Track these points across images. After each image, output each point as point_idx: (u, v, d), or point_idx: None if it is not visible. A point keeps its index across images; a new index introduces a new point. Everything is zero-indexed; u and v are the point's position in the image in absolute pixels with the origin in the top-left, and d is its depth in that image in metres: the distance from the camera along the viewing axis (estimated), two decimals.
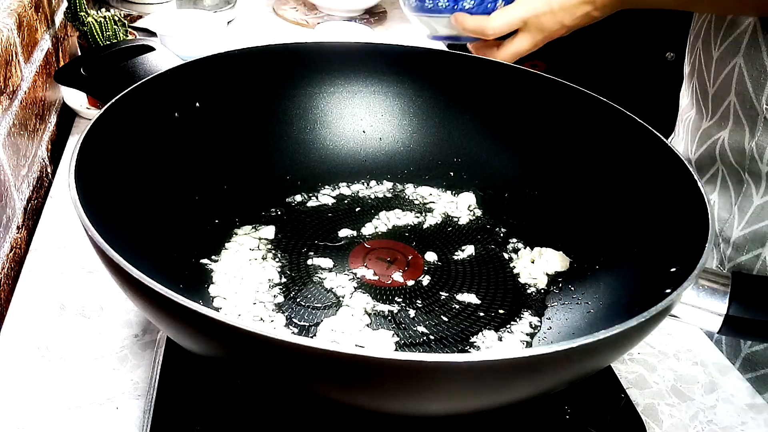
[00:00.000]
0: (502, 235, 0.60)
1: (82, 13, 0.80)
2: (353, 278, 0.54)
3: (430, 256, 0.57)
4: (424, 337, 0.48)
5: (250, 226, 0.58)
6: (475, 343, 0.48)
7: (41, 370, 0.49)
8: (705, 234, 0.41)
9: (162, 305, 0.33)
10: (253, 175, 0.61)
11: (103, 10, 0.83)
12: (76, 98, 0.84)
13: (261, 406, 0.44)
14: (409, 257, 0.57)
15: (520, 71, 0.62)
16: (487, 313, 0.51)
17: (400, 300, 0.52)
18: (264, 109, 0.62)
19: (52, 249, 0.61)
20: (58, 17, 0.87)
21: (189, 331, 0.35)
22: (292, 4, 1.30)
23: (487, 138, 0.64)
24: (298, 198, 0.62)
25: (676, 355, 0.56)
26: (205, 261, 0.53)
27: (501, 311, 0.52)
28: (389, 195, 0.64)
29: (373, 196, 0.64)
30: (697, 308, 0.40)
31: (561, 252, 0.56)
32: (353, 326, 0.49)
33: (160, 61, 0.58)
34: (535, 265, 0.56)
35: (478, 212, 0.63)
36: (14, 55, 0.64)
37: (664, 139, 0.51)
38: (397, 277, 0.54)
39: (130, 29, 0.85)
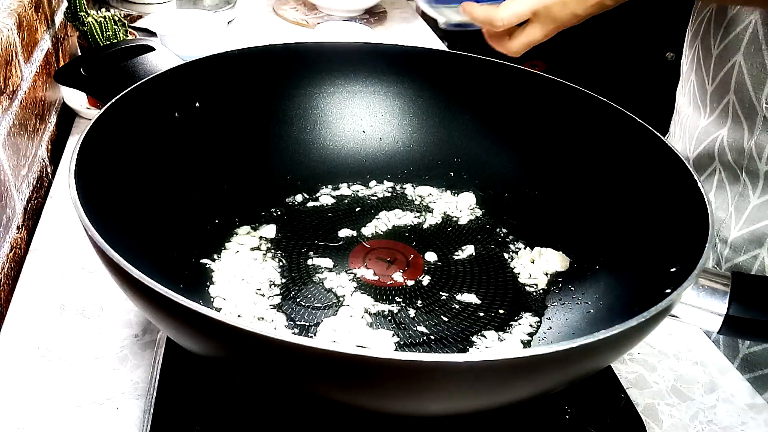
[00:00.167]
0: (502, 235, 0.60)
1: (82, 13, 0.80)
2: (353, 278, 0.54)
3: (430, 256, 0.57)
4: (424, 337, 0.48)
5: (250, 226, 0.58)
6: (475, 343, 0.48)
7: (41, 370, 0.49)
8: (705, 234, 0.41)
9: (162, 305, 0.33)
10: (253, 175, 0.61)
11: (103, 10, 0.83)
12: (76, 98, 0.84)
13: (261, 406, 0.44)
14: (409, 257, 0.57)
15: (520, 71, 0.62)
16: (487, 313, 0.51)
17: (400, 300, 0.52)
18: (264, 109, 0.62)
19: (52, 249, 0.61)
20: (58, 17, 0.87)
21: (189, 331, 0.35)
22: (292, 4, 1.30)
23: (487, 138, 0.64)
24: (299, 198, 0.62)
25: (676, 355, 0.56)
26: (205, 261, 0.53)
27: (501, 311, 0.52)
28: (389, 195, 0.64)
29: (373, 196, 0.64)
30: (697, 308, 0.40)
31: (561, 252, 0.56)
32: (353, 326, 0.49)
33: (160, 61, 0.58)
34: (535, 265, 0.56)
35: (478, 212, 0.63)
36: (14, 55, 0.64)
37: (664, 139, 0.51)
38: (397, 277, 0.54)
39: (130, 29, 0.85)
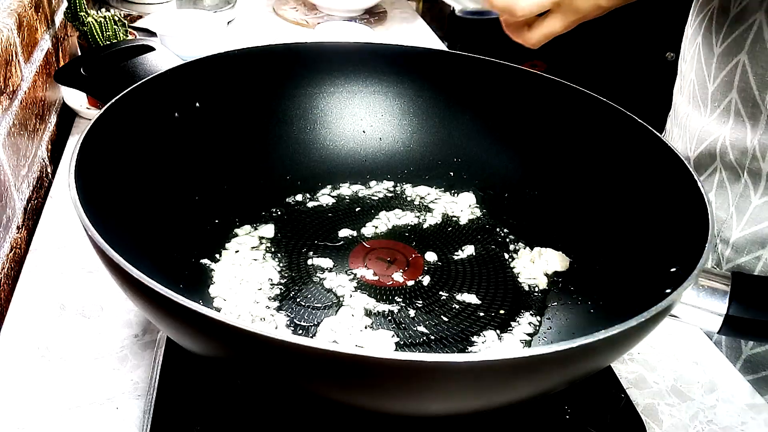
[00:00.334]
0: (502, 235, 0.60)
1: (82, 13, 0.80)
2: (353, 278, 0.54)
3: (430, 256, 0.57)
4: (424, 337, 0.48)
5: (250, 226, 0.58)
6: (475, 343, 0.48)
7: (41, 370, 0.49)
8: (705, 234, 0.41)
9: (162, 305, 0.33)
10: (253, 175, 0.61)
11: (103, 10, 0.83)
12: (76, 98, 0.84)
13: (261, 406, 0.44)
14: (409, 257, 0.57)
15: (520, 71, 0.62)
16: (487, 313, 0.51)
17: (400, 300, 0.52)
18: (264, 109, 0.62)
19: (52, 249, 0.61)
20: (58, 17, 0.87)
21: (189, 331, 0.35)
22: (292, 4, 1.30)
23: (487, 138, 0.64)
24: (298, 198, 0.62)
25: (676, 355, 0.56)
26: (205, 261, 0.53)
27: (501, 311, 0.52)
28: (389, 195, 0.64)
29: (373, 196, 0.64)
30: (697, 308, 0.40)
31: (561, 252, 0.56)
32: (353, 326, 0.49)
33: (160, 61, 0.58)
34: (535, 265, 0.56)
35: (478, 212, 0.63)
36: (14, 55, 0.64)
37: (665, 139, 0.51)
38: (397, 277, 0.54)
39: (130, 29, 0.85)
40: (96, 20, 0.79)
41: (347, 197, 0.63)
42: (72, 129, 0.82)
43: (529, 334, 0.50)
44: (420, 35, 1.25)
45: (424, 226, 0.61)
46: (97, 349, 0.51)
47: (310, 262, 0.55)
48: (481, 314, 0.51)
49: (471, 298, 0.53)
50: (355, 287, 0.53)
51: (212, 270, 0.53)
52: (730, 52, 0.60)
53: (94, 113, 0.57)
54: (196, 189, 0.56)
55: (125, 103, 0.49)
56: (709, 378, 0.54)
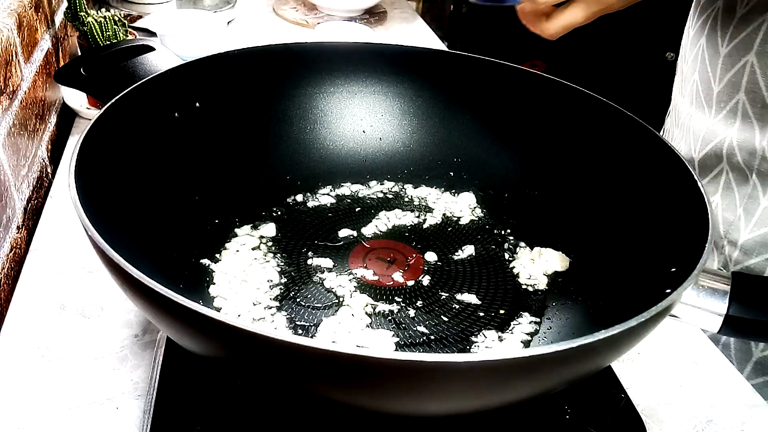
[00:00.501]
0: (502, 235, 0.60)
1: (82, 13, 0.80)
2: (353, 278, 0.54)
3: (430, 256, 0.57)
4: (424, 337, 0.48)
5: (251, 226, 0.58)
6: (475, 343, 0.48)
7: (41, 370, 0.49)
8: (705, 234, 0.41)
9: (162, 305, 0.33)
10: (253, 175, 0.61)
11: (103, 10, 0.83)
12: (76, 98, 0.84)
13: (261, 406, 0.44)
14: (409, 257, 0.57)
15: (520, 71, 0.62)
16: (487, 313, 0.51)
17: (400, 300, 0.52)
18: (264, 109, 0.62)
19: (52, 249, 0.61)
20: (58, 17, 0.87)
21: (189, 331, 0.35)
22: (292, 4, 1.30)
23: (487, 138, 0.64)
24: (299, 198, 0.62)
25: (676, 355, 0.56)
26: (205, 261, 0.53)
27: (501, 311, 0.52)
28: (389, 195, 0.64)
29: (373, 196, 0.64)
30: (697, 308, 0.40)
31: (561, 252, 0.56)
32: (353, 326, 0.49)
33: (160, 61, 0.58)
34: (535, 265, 0.56)
35: (478, 212, 0.63)
36: (14, 55, 0.64)
37: (665, 139, 0.51)
38: (397, 277, 0.54)
39: (130, 29, 0.85)
40: (96, 20, 0.79)
41: (347, 197, 0.63)
42: (72, 129, 0.82)
43: (529, 334, 0.50)
44: (420, 35, 1.25)
45: (424, 226, 0.61)
46: (97, 349, 0.51)
47: (310, 262, 0.55)
48: (481, 314, 0.51)
49: (471, 298, 0.53)
50: (355, 287, 0.53)
51: (212, 270, 0.53)
52: (737, 52, 0.59)
53: (94, 113, 0.57)
54: (196, 189, 0.56)
55: (125, 103, 0.49)
56: (709, 378, 0.54)
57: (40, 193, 0.70)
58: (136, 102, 0.50)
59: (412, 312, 0.51)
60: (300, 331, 0.48)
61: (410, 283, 0.54)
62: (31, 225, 0.66)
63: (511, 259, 0.57)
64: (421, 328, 0.49)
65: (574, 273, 0.55)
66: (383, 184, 0.65)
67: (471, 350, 0.48)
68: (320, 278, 0.53)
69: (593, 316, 0.49)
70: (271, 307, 0.50)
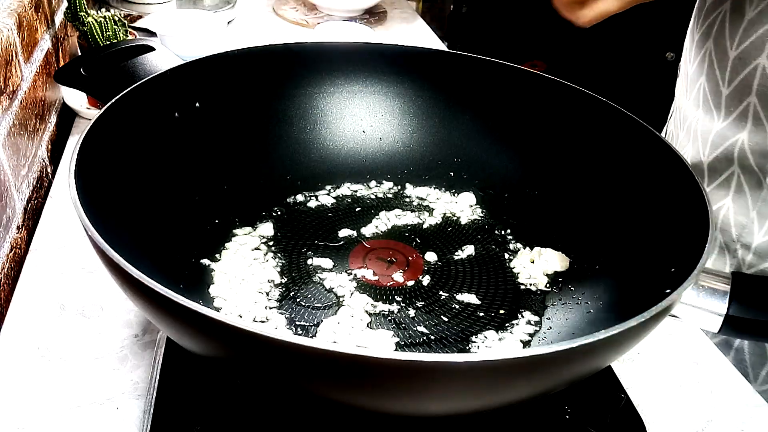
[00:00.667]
0: (502, 235, 0.60)
1: (82, 13, 0.80)
2: (353, 278, 0.54)
3: (430, 256, 0.57)
4: (424, 337, 0.48)
5: (250, 226, 0.58)
6: (475, 343, 0.48)
7: (41, 370, 0.49)
8: (705, 234, 0.41)
9: (162, 305, 0.33)
10: (253, 175, 0.61)
11: (103, 10, 0.83)
12: (76, 98, 0.84)
13: (261, 406, 0.44)
14: (409, 257, 0.57)
15: (520, 71, 0.62)
16: (487, 313, 0.51)
17: (400, 300, 0.52)
18: (264, 109, 0.62)
19: (52, 249, 0.61)
20: (58, 17, 0.87)
21: (189, 331, 0.35)
22: (292, 4, 1.30)
23: (487, 138, 0.64)
24: (299, 198, 0.62)
25: (676, 355, 0.56)
26: (205, 261, 0.53)
27: (501, 311, 0.52)
28: (389, 195, 0.64)
29: (373, 196, 0.64)
30: (697, 308, 0.40)
31: (561, 252, 0.56)
32: (353, 326, 0.49)
33: (160, 61, 0.58)
34: (535, 265, 0.56)
35: (478, 212, 0.63)
36: (14, 55, 0.64)
37: (665, 139, 0.51)
38: (397, 277, 0.54)
39: (130, 29, 0.85)
40: (96, 20, 0.79)
41: (347, 197, 0.63)
42: (72, 129, 0.82)
43: (529, 334, 0.50)
44: (420, 35, 1.25)
45: (424, 226, 0.61)
46: (97, 349, 0.51)
47: (310, 262, 0.55)
48: (481, 314, 0.51)
49: (471, 298, 0.53)
50: (355, 287, 0.53)
51: (212, 270, 0.53)
52: (747, 55, 0.59)
53: (94, 113, 0.57)
54: (196, 189, 0.56)
55: (125, 103, 0.49)
56: (709, 378, 0.54)
57: (40, 193, 0.70)
58: (136, 102, 0.50)
59: (412, 312, 0.51)
60: (300, 331, 0.48)
61: (410, 283, 0.54)
62: (31, 225, 0.65)
63: (510, 259, 0.57)
64: (421, 328, 0.49)
65: (574, 273, 0.55)
66: (383, 184, 0.65)
67: (471, 350, 0.48)
68: (320, 278, 0.53)
69: (593, 316, 0.49)
70: (271, 307, 0.50)
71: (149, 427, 0.42)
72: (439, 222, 0.61)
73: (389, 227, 0.60)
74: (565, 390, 0.41)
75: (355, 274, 0.54)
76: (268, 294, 0.51)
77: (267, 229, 0.58)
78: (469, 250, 0.58)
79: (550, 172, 0.61)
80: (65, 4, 0.82)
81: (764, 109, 0.58)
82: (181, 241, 0.52)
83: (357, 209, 0.62)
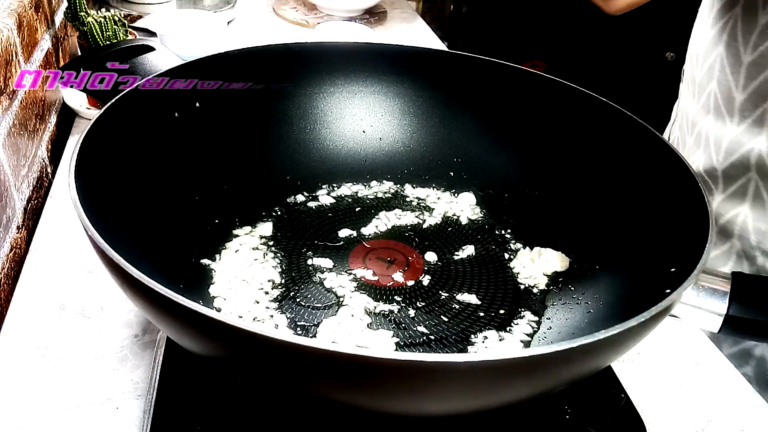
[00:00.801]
0: (502, 235, 0.60)
1: (82, 13, 0.80)
2: (353, 278, 0.54)
3: (430, 256, 0.57)
4: (424, 337, 0.48)
5: (250, 226, 0.58)
6: (475, 343, 0.48)
7: (41, 370, 0.49)
8: (705, 234, 0.41)
9: (162, 305, 0.33)
10: (253, 175, 0.61)
11: (103, 10, 0.83)
12: (76, 98, 0.84)
13: (261, 406, 0.44)
14: (409, 257, 0.57)
15: (520, 71, 0.62)
16: (487, 313, 0.51)
17: (400, 300, 0.52)
18: (264, 109, 0.62)
19: (52, 249, 0.61)
20: (58, 17, 0.87)
21: (189, 331, 0.35)
22: (292, 4, 1.30)
23: (487, 138, 0.64)
24: (299, 198, 0.62)
25: (676, 355, 0.56)
26: (205, 261, 0.53)
27: (501, 311, 0.52)
28: (389, 195, 0.64)
29: (373, 196, 0.64)
30: (697, 308, 0.40)
31: (561, 252, 0.56)
32: (353, 326, 0.49)
33: (160, 61, 0.58)
34: (535, 265, 0.56)
35: (478, 212, 0.63)
36: (14, 55, 0.64)
37: (665, 139, 0.51)
38: (397, 277, 0.54)
39: (130, 29, 0.85)
40: (96, 20, 0.79)
41: (347, 197, 0.63)
42: (72, 129, 0.82)
43: (529, 334, 0.50)
44: (420, 35, 1.25)
45: (424, 226, 0.61)
46: (97, 349, 0.51)
47: (310, 262, 0.55)
48: (481, 314, 0.51)
49: (471, 298, 0.52)
50: (355, 287, 0.53)
51: (212, 270, 0.53)
52: (762, 60, 0.58)
53: (94, 113, 0.57)
54: (196, 189, 0.56)
55: (125, 103, 0.49)
56: (709, 378, 0.54)
57: (40, 193, 0.70)
58: (136, 102, 0.50)
59: (412, 312, 0.51)
60: (300, 331, 0.48)
61: (410, 283, 0.54)
62: (31, 225, 0.65)
63: (510, 259, 0.57)
64: (421, 328, 0.49)
65: (574, 273, 0.55)
66: (383, 184, 0.65)
67: (471, 350, 0.48)
68: (320, 278, 0.53)
69: (593, 316, 0.49)
70: (271, 307, 0.50)
71: (149, 427, 0.42)
72: (439, 222, 0.61)
73: (389, 227, 0.60)
74: (565, 390, 0.41)
75: (355, 274, 0.54)
76: (268, 294, 0.51)
77: (267, 229, 0.58)
78: (469, 250, 0.58)
79: (550, 172, 0.61)
80: (65, 4, 0.82)
81: None
82: (181, 241, 0.52)
83: (357, 209, 0.62)
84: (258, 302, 0.50)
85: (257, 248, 0.56)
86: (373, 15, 1.28)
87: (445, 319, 0.50)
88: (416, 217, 0.62)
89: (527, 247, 0.58)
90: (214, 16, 1.06)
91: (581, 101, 0.58)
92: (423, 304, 0.52)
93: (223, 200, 0.57)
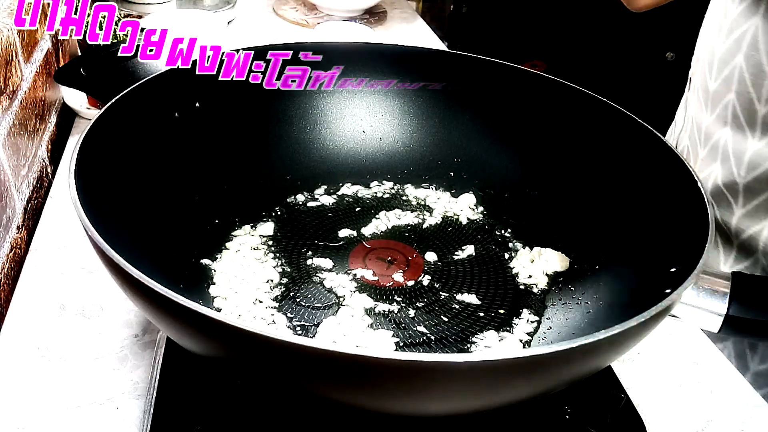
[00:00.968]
0: (502, 235, 0.60)
1: None
2: (353, 278, 0.54)
3: (430, 256, 0.57)
4: (424, 337, 0.48)
5: (250, 226, 0.58)
6: (475, 343, 0.48)
7: (41, 370, 0.49)
8: (705, 234, 0.41)
9: (162, 305, 0.33)
10: (253, 175, 0.61)
11: None
12: (76, 98, 0.84)
13: (261, 406, 0.44)
14: (409, 257, 0.57)
15: (520, 71, 0.62)
16: (487, 313, 0.51)
17: (400, 300, 0.52)
18: (264, 109, 0.62)
19: (52, 249, 0.61)
20: (58, 17, 0.87)
21: (189, 331, 0.35)
22: (292, 4, 1.30)
23: (487, 138, 0.64)
24: (299, 198, 0.62)
25: (676, 355, 0.56)
26: (205, 261, 0.53)
27: (501, 311, 0.52)
28: (389, 195, 0.64)
29: (373, 196, 0.64)
30: (697, 308, 0.40)
31: (561, 252, 0.56)
32: (353, 326, 0.49)
33: (160, 61, 0.58)
34: (535, 265, 0.56)
35: (478, 212, 0.63)
36: (14, 55, 0.64)
37: (664, 139, 0.51)
38: (397, 277, 0.54)
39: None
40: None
41: (347, 197, 0.63)
42: (72, 129, 0.82)
43: (529, 334, 0.50)
44: (420, 35, 1.25)
45: (424, 226, 0.61)
46: (97, 349, 0.51)
47: (310, 262, 0.55)
48: (481, 314, 0.51)
49: (471, 298, 0.53)
50: (355, 287, 0.53)
51: (212, 270, 0.53)
52: None
53: (94, 113, 0.57)
54: (196, 189, 0.56)
55: (125, 103, 0.49)
56: (709, 378, 0.54)
57: (40, 193, 0.70)
58: (136, 102, 0.50)
59: (412, 312, 0.51)
60: (300, 331, 0.48)
61: (410, 283, 0.54)
62: (31, 225, 0.65)
63: (510, 259, 0.57)
64: (421, 328, 0.49)
65: (574, 273, 0.55)
66: (383, 184, 0.65)
67: (471, 350, 0.48)
68: (320, 278, 0.53)
69: (593, 316, 0.49)
70: (271, 307, 0.50)
71: (149, 427, 0.42)
72: (439, 222, 0.61)
73: (389, 227, 0.60)
74: (565, 390, 0.41)
75: (355, 274, 0.54)
76: (268, 294, 0.51)
77: (267, 228, 0.58)
78: (469, 250, 0.58)
79: (550, 172, 0.61)
80: None
81: None
82: (181, 241, 0.52)
83: (357, 209, 0.62)
84: (258, 302, 0.50)
85: (257, 248, 0.56)
86: (373, 15, 1.28)
87: (445, 319, 0.50)
88: (416, 217, 0.62)
89: (527, 247, 0.58)
90: (214, 16, 1.06)
91: (581, 101, 0.58)
92: (423, 304, 0.52)
93: (223, 200, 0.57)
